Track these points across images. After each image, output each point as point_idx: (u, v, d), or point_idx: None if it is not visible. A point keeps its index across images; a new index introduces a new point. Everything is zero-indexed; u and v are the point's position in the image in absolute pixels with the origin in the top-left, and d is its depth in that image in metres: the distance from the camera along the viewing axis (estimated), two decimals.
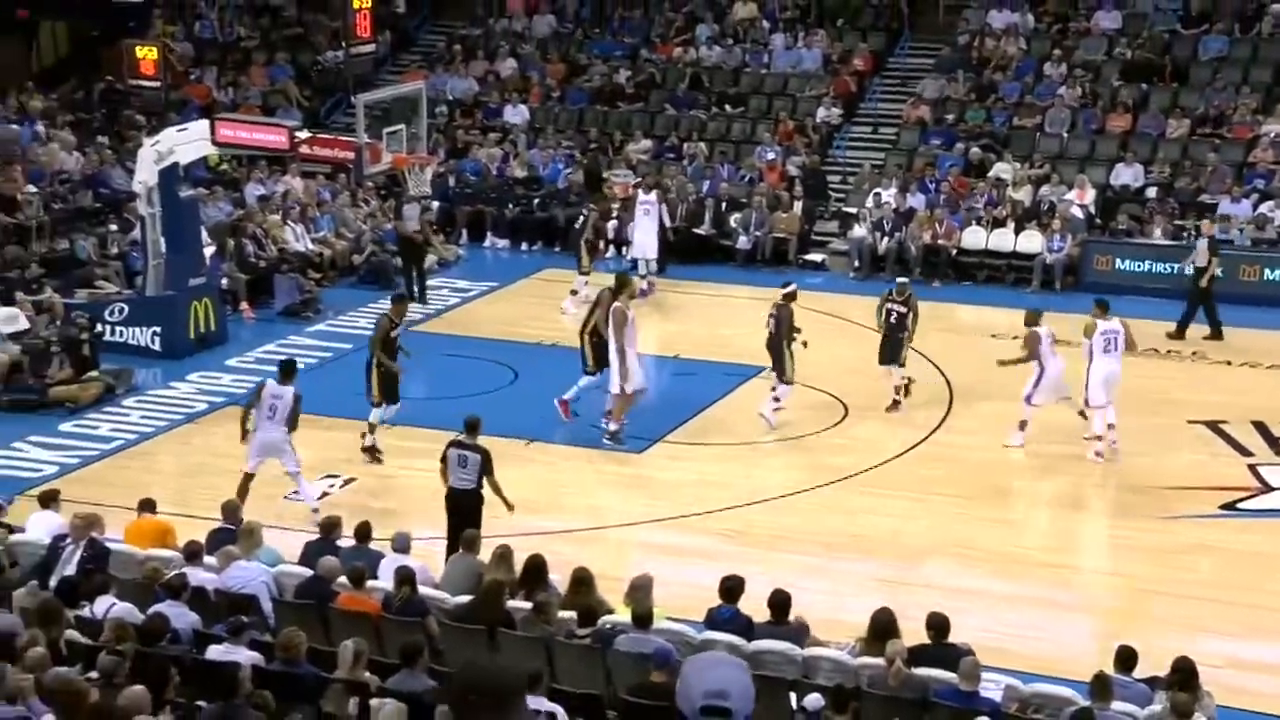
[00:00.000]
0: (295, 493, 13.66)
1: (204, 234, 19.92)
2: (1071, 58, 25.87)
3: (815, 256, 23.46)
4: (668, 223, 22.15)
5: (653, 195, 21.89)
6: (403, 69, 29.17)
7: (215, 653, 8.88)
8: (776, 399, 15.78)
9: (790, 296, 15.82)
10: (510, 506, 12.13)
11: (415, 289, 20.58)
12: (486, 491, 12.07)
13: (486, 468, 11.99)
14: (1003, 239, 22.56)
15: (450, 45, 29.45)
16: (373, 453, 14.83)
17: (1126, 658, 9.08)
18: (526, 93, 27.84)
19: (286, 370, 13.73)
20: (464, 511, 12.00)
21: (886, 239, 22.70)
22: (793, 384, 15.75)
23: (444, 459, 12.13)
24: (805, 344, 15.78)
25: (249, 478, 13.37)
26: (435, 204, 23.89)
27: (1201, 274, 19.35)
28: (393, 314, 14.93)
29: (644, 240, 21.69)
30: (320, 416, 15.93)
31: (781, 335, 15.54)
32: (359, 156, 17.50)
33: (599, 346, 15.42)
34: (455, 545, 11.66)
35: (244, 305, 20.22)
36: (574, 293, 20.36)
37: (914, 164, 24.54)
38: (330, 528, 11.07)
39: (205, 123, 18.22)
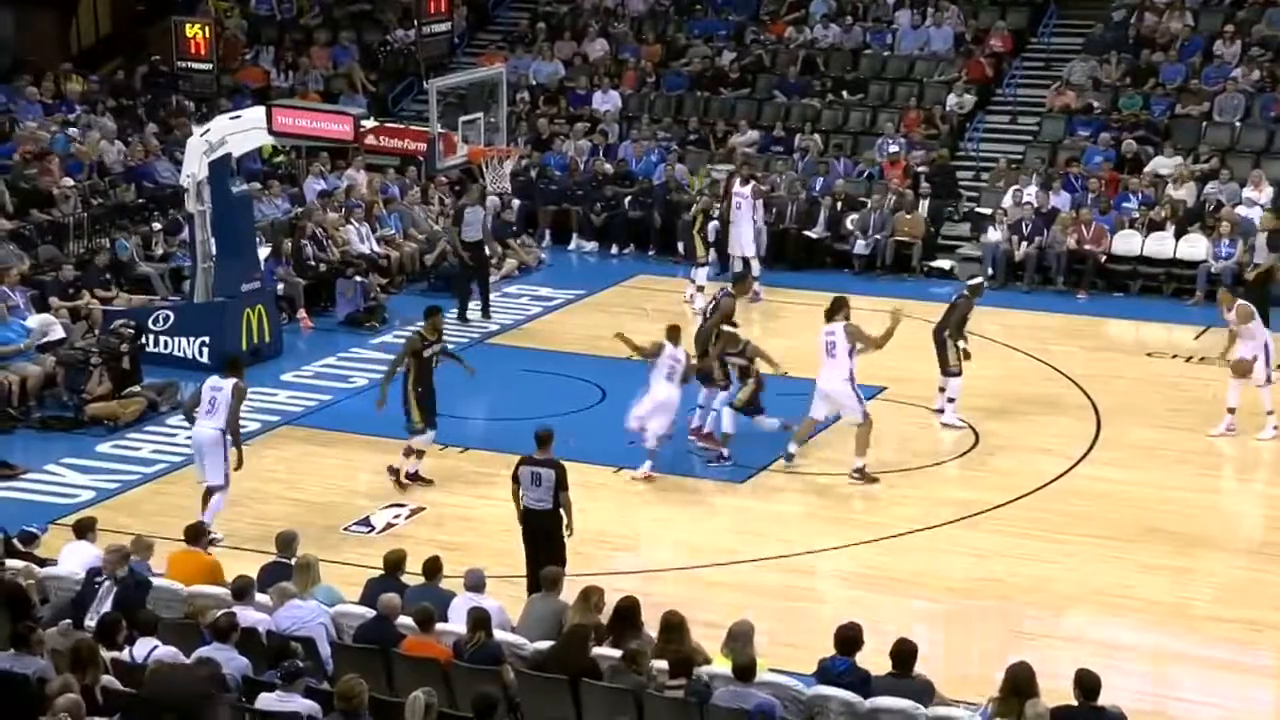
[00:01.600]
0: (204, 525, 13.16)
1: (258, 234, 20.22)
2: (1248, 34, 25.41)
3: (943, 263, 23.26)
4: (759, 221, 22.10)
5: (748, 189, 21.86)
6: (480, 50, 29.45)
7: (267, 701, 8.98)
8: (951, 398, 16.49)
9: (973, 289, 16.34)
10: (570, 529, 12.23)
11: (480, 304, 20.67)
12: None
13: (561, 483, 12.11)
14: (1161, 244, 22.20)
15: (533, 24, 29.69)
16: (417, 479, 15.00)
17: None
18: (619, 77, 27.95)
19: (231, 363, 14.17)
20: (541, 534, 12.13)
21: (1025, 244, 22.45)
22: (959, 374, 16.42)
23: (515, 478, 12.27)
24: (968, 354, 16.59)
25: (210, 492, 13.71)
26: (516, 202, 24.06)
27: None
28: (425, 330, 15.04)
29: (742, 237, 21.74)
30: (383, 438, 16.15)
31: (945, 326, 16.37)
32: (431, 148, 17.69)
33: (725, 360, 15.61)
34: (535, 573, 11.76)
35: (302, 313, 20.48)
36: (700, 288, 20.74)
37: (1058, 158, 24.24)
38: (395, 564, 11.15)
39: (261, 110, 18.48)
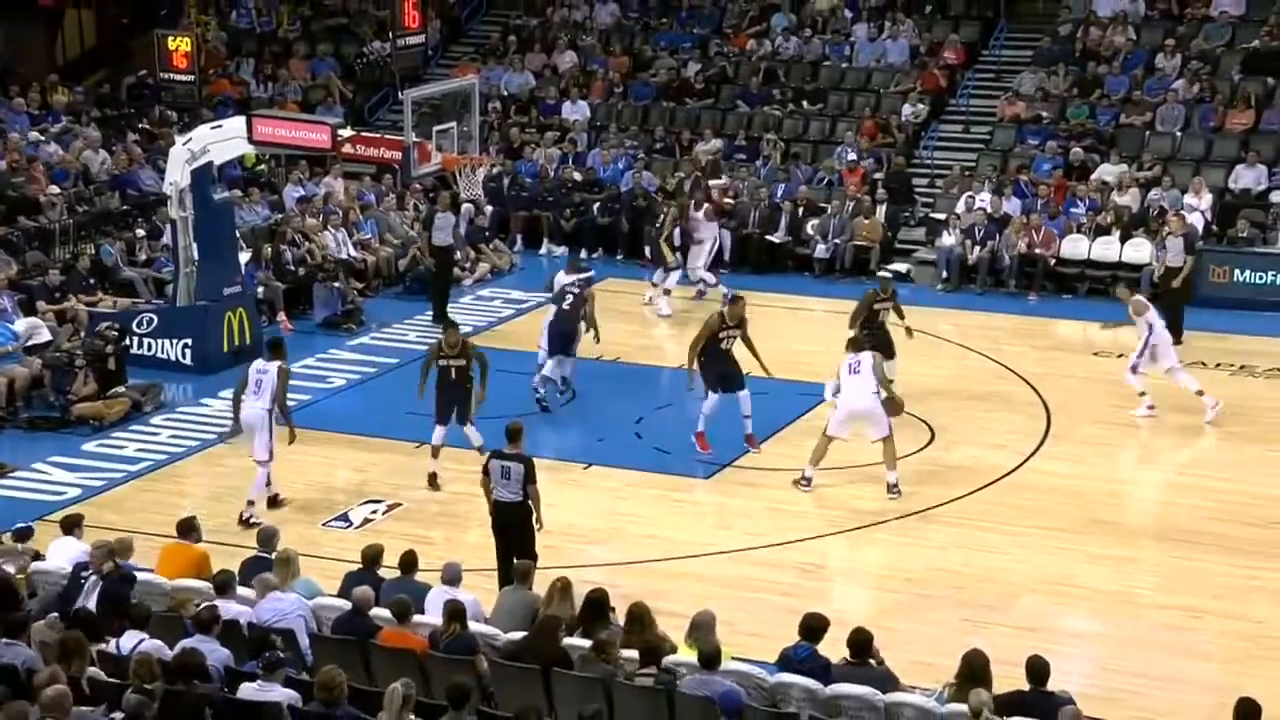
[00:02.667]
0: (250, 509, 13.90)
1: (239, 239, 20.14)
2: (1187, 48, 25.59)
3: (900, 267, 23.30)
4: (719, 238, 21.99)
5: (700, 213, 21.77)
6: (454, 62, 29.42)
7: (248, 691, 8.95)
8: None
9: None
10: (540, 523, 12.24)
11: (435, 308, 20.60)
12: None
13: (530, 476, 12.12)
14: (1107, 248, 22.31)
15: (505, 37, 29.66)
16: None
17: (1248, 714, 8.90)
18: (587, 88, 27.96)
19: (274, 346, 14.45)
20: (512, 526, 12.14)
21: (978, 248, 22.54)
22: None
23: (486, 471, 12.27)
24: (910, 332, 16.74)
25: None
26: (489, 208, 24.03)
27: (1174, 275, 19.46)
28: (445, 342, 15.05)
29: (699, 260, 21.70)
30: (362, 436, 16.11)
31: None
32: (406, 156, 17.63)
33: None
34: (506, 565, 11.80)
35: (281, 316, 20.42)
36: (667, 291, 20.95)
37: (1009, 166, 24.35)
38: (373, 558, 11.12)
39: (241, 119, 18.42)
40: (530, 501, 12.17)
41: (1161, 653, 11.95)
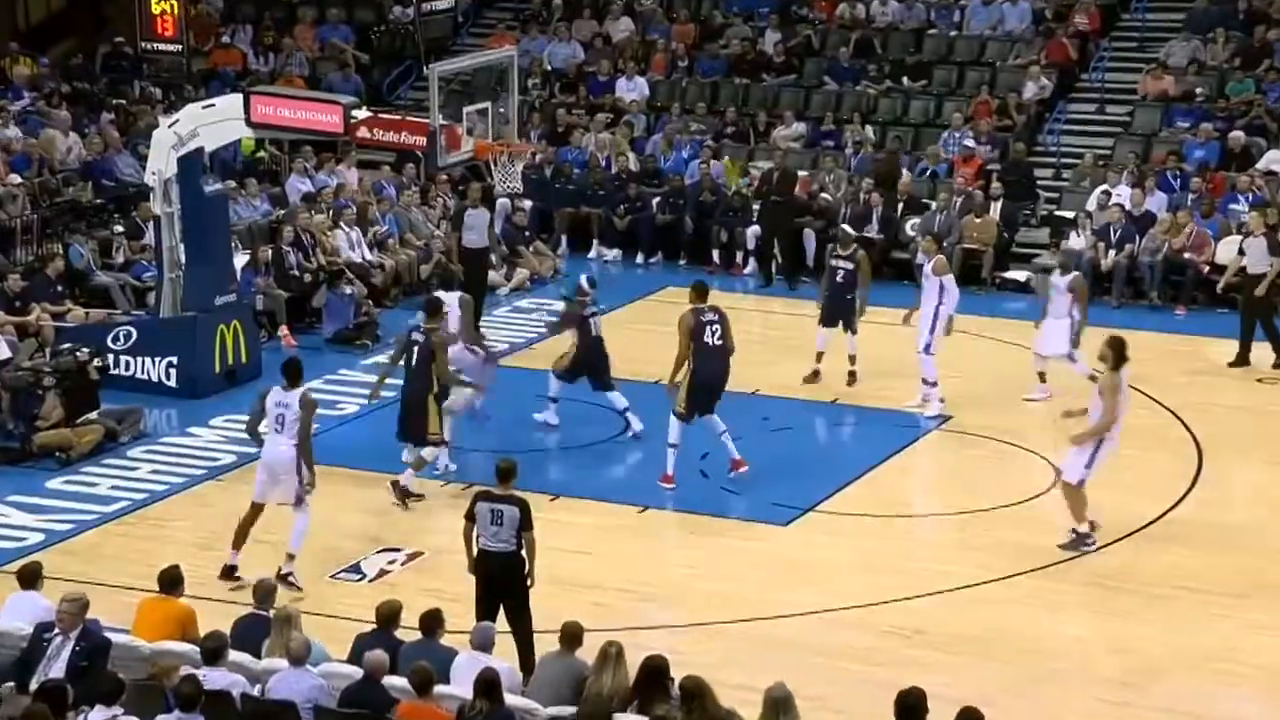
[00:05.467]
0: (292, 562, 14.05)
1: (234, 239, 20.34)
2: None
3: (1018, 274, 23.24)
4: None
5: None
6: (489, 31, 29.61)
7: None
8: None
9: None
10: (531, 578, 12.22)
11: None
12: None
13: (525, 521, 12.11)
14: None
15: (549, 1, 29.83)
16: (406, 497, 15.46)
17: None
18: (646, 61, 28.08)
19: (292, 372, 14.16)
20: (499, 581, 12.13)
21: (1113, 252, 22.45)
22: None
23: (470, 516, 12.25)
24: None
25: (256, 511, 13.93)
26: (528, 204, 24.17)
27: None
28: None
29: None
30: (377, 473, 16.21)
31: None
32: (432, 142, 17.76)
33: None
34: (491, 610, 11.93)
35: (283, 330, 20.60)
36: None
37: (1153, 153, 24.23)
38: (389, 617, 11.17)
39: (238, 98, 18.60)
40: (524, 551, 12.15)
41: None
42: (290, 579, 13.67)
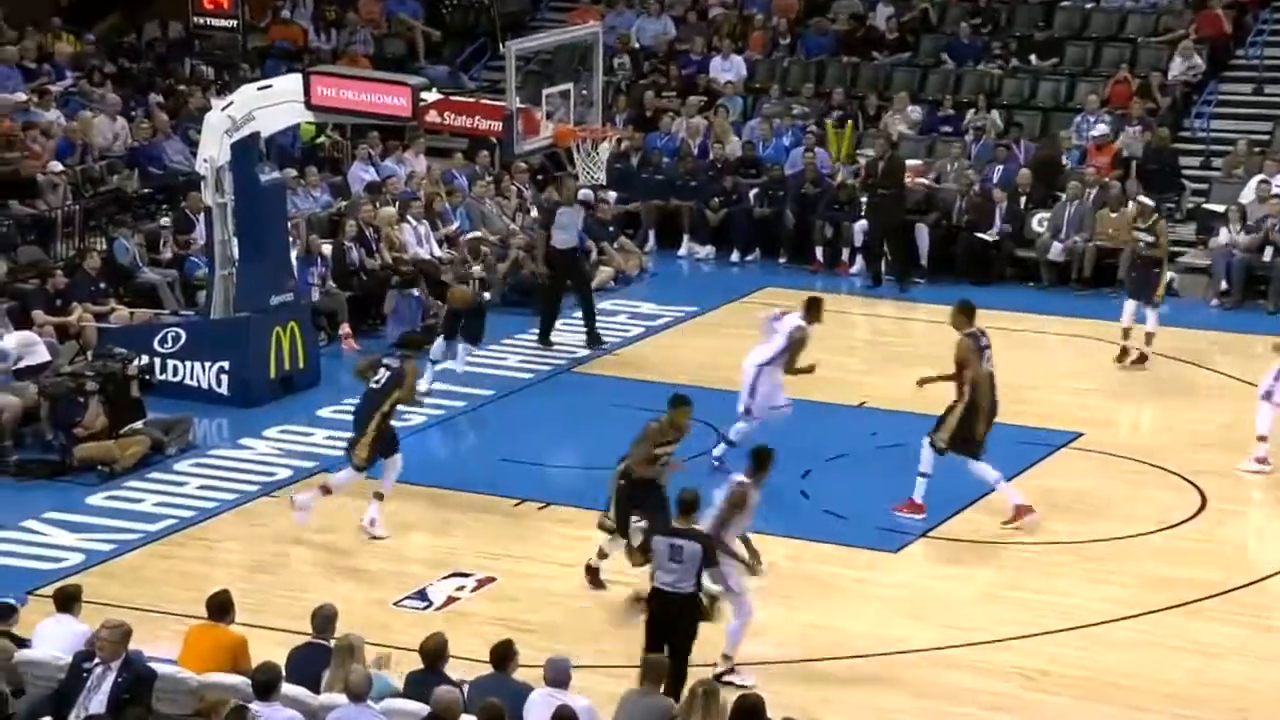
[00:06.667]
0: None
1: (292, 233, 20.46)
2: None
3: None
4: None
5: None
6: (571, 6, 29.67)
7: None
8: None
9: None
10: (713, 617, 12.31)
11: (585, 326, 20.77)
12: None
13: (710, 559, 12.09)
14: None
15: None
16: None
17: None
18: (744, 39, 28.04)
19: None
20: (673, 624, 12.01)
21: (1270, 250, 22.18)
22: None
23: (643, 548, 12.21)
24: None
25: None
26: (612, 196, 24.18)
27: None
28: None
29: None
30: (446, 490, 16.25)
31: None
32: (508, 128, 17.79)
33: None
34: (675, 651, 11.81)
35: (345, 332, 20.70)
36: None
37: None
38: (436, 652, 11.10)
39: (297, 78, 18.71)
40: (704, 593, 12.14)
41: None
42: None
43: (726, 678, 12.61)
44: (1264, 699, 12.84)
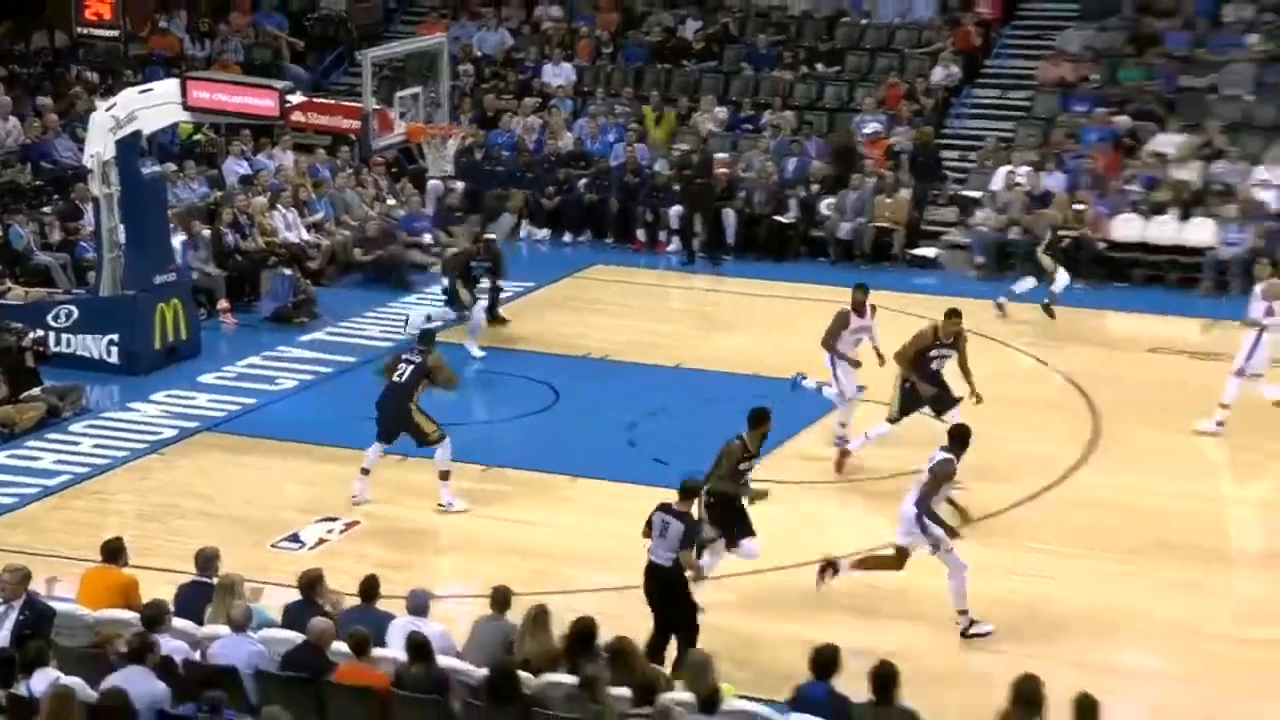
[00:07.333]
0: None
1: (173, 220, 20.09)
2: None
3: (927, 251, 23.35)
4: None
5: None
6: (420, 19, 29.40)
7: None
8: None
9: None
10: (693, 583, 11.93)
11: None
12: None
13: (687, 540, 11.73)
14: (1164, 229, 22.34)
15: None
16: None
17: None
18: (572, 48, 27.93)
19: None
20: (656, 592, 11.78)
21: (1017, 229, 22.55)
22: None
23: (649, 523, 11.93)
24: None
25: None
26: (459, 185, 24.01)
27: None
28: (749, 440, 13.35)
29: None
30: (315, 445, 16.07)
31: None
32: (366, 126, 17.60)
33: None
34: (660, 636, 11.55)
35: (223, 307, 20.38)
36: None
37: (1052, 136, 24.34)
38: (311, 584, 11.01)
39: (174, 82, 18.37)
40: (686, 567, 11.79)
41: (1240, 695, 11.88)
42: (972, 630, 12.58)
43: (970, 632, 12.42)
44: (1014, 607, 12.95)
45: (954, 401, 15.33)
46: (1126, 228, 22.54)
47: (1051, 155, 23.70)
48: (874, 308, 16.08)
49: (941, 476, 12.60)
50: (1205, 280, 21.76)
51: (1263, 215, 22.01)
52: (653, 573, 11.85)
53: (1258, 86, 24.47)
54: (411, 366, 14.69)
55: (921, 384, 15.26)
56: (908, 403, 15.42)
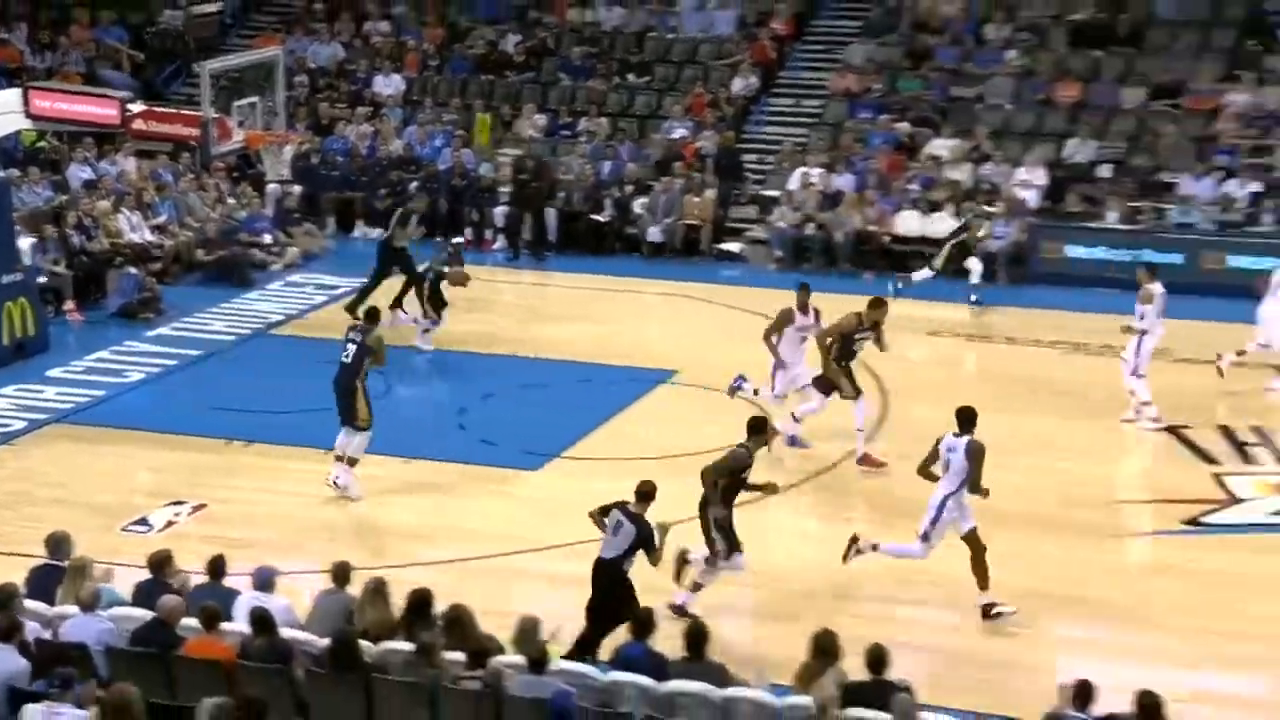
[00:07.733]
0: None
1: (17, 223, 19.48)
2: (1016, 19, 26.25)
3: (732, 246, 23.56)
4: None
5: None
6: (256, 32, 28.84)
7: (34, 714, 8.65)
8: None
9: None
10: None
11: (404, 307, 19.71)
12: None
13: (638, 547, 11.30)
14: (940, 224, 22.78)
15: (311, 4, 29.17)
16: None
17: (1084, 693, 9.21)
18: (401, 60, 27.65)
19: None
20: (597, 583, 11.44)
21: (811, 225, 22.85)
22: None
23: (603, 511, 11.57)
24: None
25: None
26: (296, 189, 23.64)
27: None
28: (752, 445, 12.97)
29: None
30: (162, 434, 15.73)
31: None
32: (205, 134, 17.26)
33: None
34: (597, 626, 11.19)
35: (69, 305, 19.83)
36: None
37: (841, 141, 24.72)
38: (160, 563, 10.79)
39: (16, 92, 17.83)
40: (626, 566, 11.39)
41: (996, 637, 12.14)
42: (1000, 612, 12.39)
43: (995, 610, 12.27)
44: (805, 567, 13.13)
45: (855, 392, 15.41)
46: (907, 223, 22.98)
47: (841, 158, 24.06)
48: (818, 310, 15.88)
49: (980, 457, 12.32)
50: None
51: (1024, 212, 22.59)
52: (600, 566, 11.51)
53: (1016, 97, 25.11)
54: (355, 346, 14.36)
55: (839, 362, 15.41)
56: (851, 377, 15.52)
